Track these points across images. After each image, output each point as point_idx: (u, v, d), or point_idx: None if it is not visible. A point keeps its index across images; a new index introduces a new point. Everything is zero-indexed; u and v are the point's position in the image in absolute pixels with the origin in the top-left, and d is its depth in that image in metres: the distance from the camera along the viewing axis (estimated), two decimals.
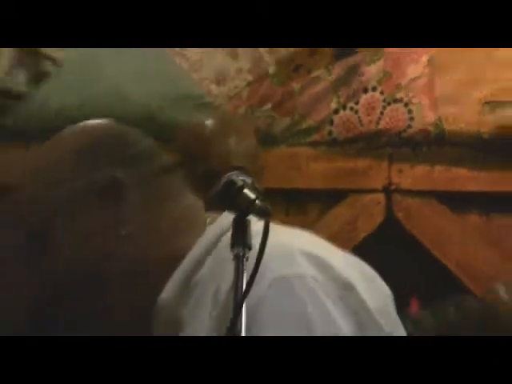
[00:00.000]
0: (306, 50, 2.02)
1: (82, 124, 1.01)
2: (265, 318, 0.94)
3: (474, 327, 1.80)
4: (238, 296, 0.77)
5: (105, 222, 0.92)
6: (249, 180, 0.86)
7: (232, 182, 0.86)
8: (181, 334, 1.05)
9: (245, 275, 0.77)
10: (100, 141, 0.98)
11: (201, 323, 0.96)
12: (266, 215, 0.81)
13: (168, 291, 0.99)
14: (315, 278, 1.00)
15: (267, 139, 1.77)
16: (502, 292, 1.89)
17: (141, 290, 1.02)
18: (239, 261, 0.79)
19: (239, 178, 0.86)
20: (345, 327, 0.98)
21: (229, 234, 0.84)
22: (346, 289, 1.02)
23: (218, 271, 0.93)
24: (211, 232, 0.99)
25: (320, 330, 0.96)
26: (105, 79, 1.96)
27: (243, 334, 0.77)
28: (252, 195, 0.83)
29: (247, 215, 0.83)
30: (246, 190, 0.83)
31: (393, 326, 1.02)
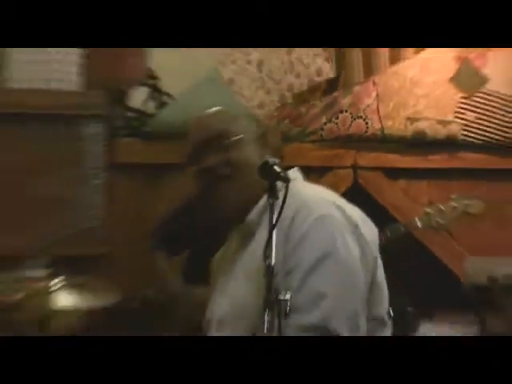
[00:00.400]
0: (309, 88, 3.17)
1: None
2: (310, 240, 1.55)
3: (400, 244, 2.68)
4: (270, 227, 1.36)
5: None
6: (276, 160, 1.44)
7: (267, 162, 1.43)
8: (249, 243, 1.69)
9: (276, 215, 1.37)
10: None
11: (261, 239, 1.49)
12: (286, 181, 1.39)
13: (253, 214, 1.68)
14: (338, 218, 1.58)
15: (287, 138, 2.94)
16: (418, 223, 2.87)
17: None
18: (272, 206, 1.38)
19: (270, 159, 1.44)
20: (355, 251, 1.56)
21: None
22: (354, 226, 1.61)
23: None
24: None
25: (342, 252, 1.55)
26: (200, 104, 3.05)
27: (274, 252, 1.35)
28: (278, 169, 1.40)
29: (276, 181, 1.41)
30: (275, 167, 1.40)
31: (377, 252, 1.66)
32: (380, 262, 1.81)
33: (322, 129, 3.17)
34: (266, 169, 1.53)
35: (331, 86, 3.33)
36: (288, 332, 1.75)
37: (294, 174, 1.85)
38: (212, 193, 1.83)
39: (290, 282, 1.73)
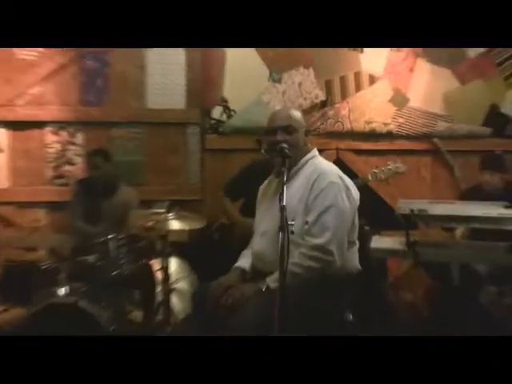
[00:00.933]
0: (311, 106, 4.91)
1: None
2: (323, 195, 2.46)
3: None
4: (282, 183, 2.18)
5: None
6: (286, 145, 2.42)
7: (282, 147, 2.43)
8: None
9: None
10: None
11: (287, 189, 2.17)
12: (288, 158, 2.36)
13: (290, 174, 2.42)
14: (340, 184, 2.50)
15: None
16: (370, 177, 4.02)
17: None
18: (283, 172, 2.29)
19: (283, 145, 2.44)
20: (347, 204, 2.47)
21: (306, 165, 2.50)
22: (347, 189, 2.52)
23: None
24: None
25: (340, 205, 2.44)
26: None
27: (285, 197, 2.08)
28: (287, 151, 2.39)
29: (285, 158, 2.36)
30: (285, 150, 2.41)
31: (357, 204, 2.56)
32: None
33: (319, 128, 4.84)
34: (281, 149, 2.38)
35: (323, 104, 4.89)
36: (303, 249, 2.45)
37: (314, 152, 2.64)
38: (273, 159, 2.53)
39: (308, 217, 2.46)
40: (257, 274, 2.60)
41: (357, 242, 2.62)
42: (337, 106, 4.97)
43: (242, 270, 2.69)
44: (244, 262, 2.74)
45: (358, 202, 2.56)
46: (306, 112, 4.73)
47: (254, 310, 2.34)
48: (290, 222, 2.02)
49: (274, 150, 2.46)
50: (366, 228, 3.84)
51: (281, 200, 2.07)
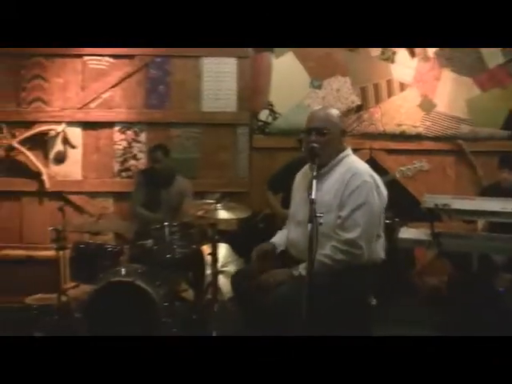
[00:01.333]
0: (347, 110, 5.30)
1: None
2: (357, 193, 2.60)
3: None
4: (312, 178, 2.35)
5: None
6: (316, 145, 2.60)
7: (312, 146, 2.63)
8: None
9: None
10: None
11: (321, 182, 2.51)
12: (317, 156, 2.56)
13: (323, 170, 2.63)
14: (371, 182, 2.66)
15: None
16: (397, 174, 4.69)
17: None
18: (313, 167, 2.50)
19: (314, 144, 2.63)
20: (377, 201, 2.63)
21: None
22: (377, 187, 2.68)
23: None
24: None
25: (371, 202, 2.59)
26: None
27: (314, 191, 2.19)
28: (317, 150, 2.59)
29: (314, 158, 2.56)
30: (315, 149, 2.62)
31: (386, 202, 2.68)
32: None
33: (354, 130, 5.27)
34: (311, 149, 2.54)
35: (358, 108, 5.32)
36: (334, 243, 2.55)
37: (348, 151, 2.75)
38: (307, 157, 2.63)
39: (342, 212, 2.56)
40: (290, 260, 2.73)
41: (382, 234, 2.72)
42: (371, 110, 5.42)
43: (273, 245, 2.91)
44: (277, 238, 2.95)
45: (386, 199, 2.67)
46: (343, 115, 4.80)
47: (286, 293, 2.49)
48: (318, 214, 2.13)
49: (306, 148, 2.64)
50: (395, 220, 4.16)
51: (310, 194, 2.21)
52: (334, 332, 2.28)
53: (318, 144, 2.58)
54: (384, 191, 2.67)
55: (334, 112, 2.77)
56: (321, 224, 2.12)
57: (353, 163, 2.66)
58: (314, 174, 2.34)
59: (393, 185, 4.07)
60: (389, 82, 5.34)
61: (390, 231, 3.04)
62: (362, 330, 2.68)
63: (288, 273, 2.61)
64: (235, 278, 2.96)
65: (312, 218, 2.12)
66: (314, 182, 2.25)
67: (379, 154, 5.41)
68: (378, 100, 5.39)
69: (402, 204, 4.18)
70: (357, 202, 2.52)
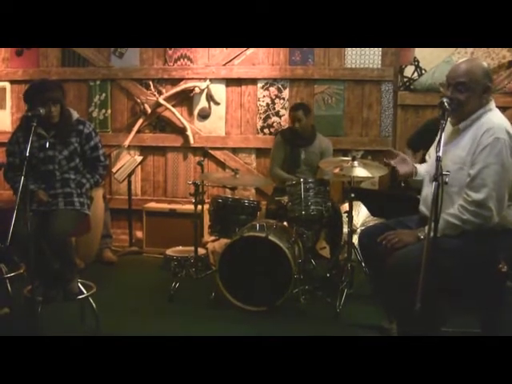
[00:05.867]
0: (498, 65, 5.14)
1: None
2: (488, 150, 2.46)
3: None
4: (440, 134, 2.27)
5: None
6: (446, 99, 2.46)
7: (442, 101, 2.48)
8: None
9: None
10: None
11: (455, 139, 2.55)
12: (447, 111, 2.43)
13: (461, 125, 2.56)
14: (505, 140, 2.47)
15: None
16: None
17: None
18: (443, 123, 2.32)
19: (444, 99, 2.48)
20: (510, 161, 2.43)
21: None
22: None
23: None
24: None
25: (503, 161, 2.42)
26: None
27: (441, 148, 2.11)
28: (446, 105, 2.43)
29: (444, 111, 2.41)
30: (445, 103, 2.46)
31: None
32: None
33: (505, 86, 5.11)
34: (441, 103, 2.42)
35: (510, 64, 5.09)
36: (462, 202, 2.46)
37: (488, 106, 2.57)
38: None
39: (472, 170, 2.45)
40: (423, 219, 2.66)
41: None
42: None
43: (416, 168, 2.90)
44: (421, 167, 2.91)
45: None
46: (494, 71, 4.92)
47: (409, 255, 2.44)
48: (444, 173, 2.06)
49: (438, 102, 2.54)
50: None
51: (437, 151, 2.15)
52: (457, 303, 2.30)
53: (455, 99, 2.50)
54: None
55: (479, 66, 2.60)
56: (446, 183, 2.06)
57: (489, 119, 2.52)
58: (443, 131, 2.25)
59: None
60: None
61: None
62: (493, 299, 2.58)
63: (414, 234, 2.58)
64: (362, 235, 2.95)
65: (438, 176, 2.06)
66: (443, 138, 2.19)
67: None
68: None
69: None
70: (486, 160, 2.43)
